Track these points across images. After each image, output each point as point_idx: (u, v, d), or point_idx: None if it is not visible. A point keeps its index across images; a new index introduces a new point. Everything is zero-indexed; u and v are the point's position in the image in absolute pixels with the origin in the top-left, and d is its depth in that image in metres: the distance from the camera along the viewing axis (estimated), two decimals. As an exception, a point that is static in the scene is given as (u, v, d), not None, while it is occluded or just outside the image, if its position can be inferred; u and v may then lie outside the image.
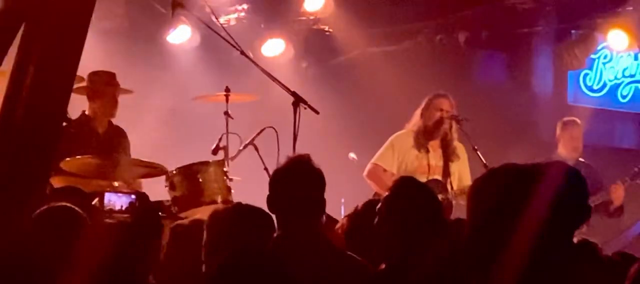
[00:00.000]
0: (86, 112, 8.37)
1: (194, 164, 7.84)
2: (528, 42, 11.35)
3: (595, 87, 11.67)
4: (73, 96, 7.82)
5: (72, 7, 5.95)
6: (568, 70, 11.44)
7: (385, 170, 8.47)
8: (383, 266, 4.63)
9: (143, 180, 8.07)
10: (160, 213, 6.59)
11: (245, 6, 10.69)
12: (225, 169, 7.89)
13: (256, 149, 8.17)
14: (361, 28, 11.18)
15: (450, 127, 8.58)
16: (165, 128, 10.49)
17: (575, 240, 3.11)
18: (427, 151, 8.56)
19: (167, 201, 7.63)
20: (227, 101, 8.35)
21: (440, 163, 8.57)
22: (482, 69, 11.70)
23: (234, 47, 7.39)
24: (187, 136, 10.33)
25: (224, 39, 7.36)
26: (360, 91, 11.33)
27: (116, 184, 7.61)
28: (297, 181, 4.69)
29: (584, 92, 11.67)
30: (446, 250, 4.47)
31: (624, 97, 11.67)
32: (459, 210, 8.37)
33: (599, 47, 11.32)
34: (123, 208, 6.90)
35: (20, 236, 3.49)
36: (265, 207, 4.80)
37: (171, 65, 10.69)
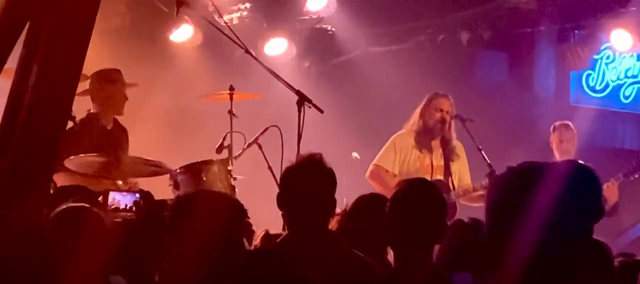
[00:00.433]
0: (92, 111, 8.38)
1: (198, 162, 7.84)
2: (531, 42, 11.35)
3: (597, 88, 11.67)
4: (80, 96, 7.87)
5: (77, 6, 5.95)
6: (570, 70, 11.44)
7: (387, 171, 8.48)
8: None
9: (147, 179, 8.05)
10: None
11: (247, 5, 10.69)
12: (229, 167, 7.88)
13: (260, 147, 8.17)
14: (364, 27, 11.18)
15: (450, 126, 8.58)
16: (169, 127, 10.49)
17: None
18: (429, 151, 8.56)
19: (171, 199, 7.61)
20: (231, 99, 8.34)
21: (441, 163, 8.59)
22: (485, 69, 11.70)
23: (239, 45, 7.37)
24: (190, 134, 10.32)
25: (228, 37, 7.34)
26: (362, 90, 11.33)
27: (120, 182, 7.61)
28: (309, 179, 4.67)
29: (587, 92, 11.67)
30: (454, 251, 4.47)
31: (626, 97, 11.66)
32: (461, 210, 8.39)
33: (601, 48, 11.32)
34: (127, 207, 6.90)
35: (33, 234, 3.47)
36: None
37: (174, 64, 10.68)
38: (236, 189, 7.86)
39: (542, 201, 2.86)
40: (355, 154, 9.84)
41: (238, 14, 10.60)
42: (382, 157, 8.60)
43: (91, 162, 7.62)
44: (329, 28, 11.34)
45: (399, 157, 8.54)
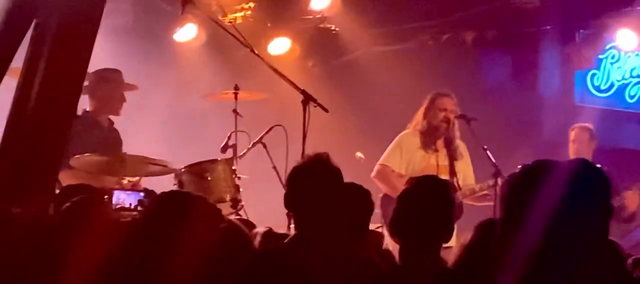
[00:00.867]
0: (88, 109, 8.36)
1: (202, 162, 7.83)
2: (535, 41, 11.33)
3: (602, 88, 11.65)
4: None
5: (83, 5, 5.94)
6: (575, 70, 11.42)
7: (393, 171, 8.45)
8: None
9: (152, 178, 8.05)
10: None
11: (251, 5, 10.66)
12: (233, 167, 7.88)
13: (265, 147, 8.17)
14: (367, 27, 11.16)
15: (453, 126, 8.56)
16: (174, 126, 10.49)
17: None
18: (434, 151, 8.54)
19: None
20: (236, 98, 8.33)
21: (446, 162, 8.57)
22: (489, 69, 11.68)
23: (244, 45, 7.36)
24: (195, 133, 10.32)
25: (234, 37, 7.33)
26: (366, 89, 11.31)
27: (125, 181, 7.60)
28: (316, 180, 4.65)
29: (591, 92, 11.65)
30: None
31: (631, 97, 11.64)
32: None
33: (606, 47, 11.30)
34: (132, 206, 6.89)
35: (39, 232, 3.46)
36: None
37: (177, 63, 10.67)
38: (240, 189, 7.85)
39: (552, 198, 2.87)
40: (359, 154, 9.82)
41: (242, 14, 10.57)
42: (388, 157, 8.58)
43: (96, 161, 7.62)
44: (332, 27, 11.32)
45: (405, 157, 8.52)
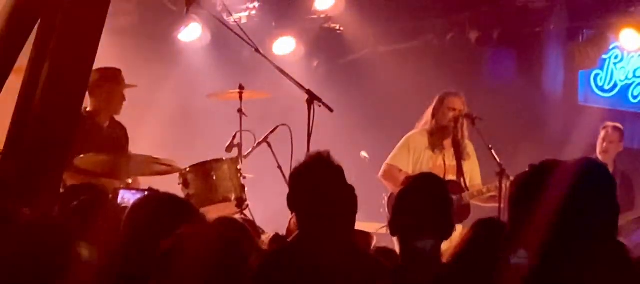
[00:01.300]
0: (87, 109, 8.34)
1: (207, 161, 7.84)
2: (539, 41, 11.32)
3: (606, 88, 11.63)
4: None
5: (88, 5, 5.95)
6: (579, 70, 11.41)
7: (400, 170, 8.42)
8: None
9: (157, 178, 8.05)
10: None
11: (256, 4, 10.69)
12: (239, 166, 7.88)
13: (270, 146, 8.17)
14: (372, 26, 11.18)
15: (462, 125, 8.54)
16: (179, 126, 10.50)
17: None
18: (442, 151, 8.52)
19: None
20: (240, 98, 8.33)
21: (454, 163, 8.54)
22: (493, 68, 11.67)
23: (250, 44, 7.38)
24: (200, 133, 10.33)
25: (239, 36, 7.35)
26: (370, 89, 11.32)
27: (130, 181, 7.61)
28: (317, 178, 4.65)
29: (595, 92, 11.64)
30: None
31: (635, 97, 11.62)
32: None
33: (610, 47, 11.29)
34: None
35: (44, 231, 3.47)
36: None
37: (182, 63, 10.69)
38: (246, 188, 7.86)
39: (559, 198, 2.87)
40: (363, 153, 9.83)
41: (247, 13, 10.60)
42: (395, 157, 8.55)
43: (101, 161, 7.62)
44: (337, 27, 11.34)
45: (413, 157, 8.49)
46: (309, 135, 7.17)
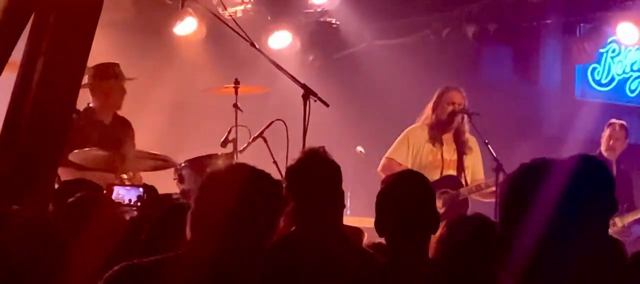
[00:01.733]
0: (90, 105, 8.35)
1: (202, 156, 7.81)
2: (536, 35, 11.31)
3: (603, 82, 11.63)
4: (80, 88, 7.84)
5: (82, -1, 5.92)
6: (576, 64, 11.40)
7: (400, 164, 8.40)
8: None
9: (151, 173, 8.03)
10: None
11: (251, -2, 10.66)
12: (234, 161, 7.84)
13: (265, 141, 8.14)
14: (368, 21, 11.15)
15: (462, 120, 8.52)
16: (174, 120, 10.48)
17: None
18: (442, 145, 8.50)
19: (176, 194, 7.59)
20: (236, 93, 8.30)
21: (454, 157, 8.52)
22: (490, 63, 11.66)
23: (245, 39, 7.33)
24: (195, 128, 10.30)
25: (234, 31, 7.30)
26: (366, 84, 11.30)
27: (125, 176, 7.59)
28: (312, 174, 4.64)
29: (592, 86, 11.63)
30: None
31: (632, 91, 11.63)
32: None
33: (607, 41, 11.28)
34: (132, 202, 6.87)
35: (39, 228, 3.44)
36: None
37: (177, 57, 10.66)
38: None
39: (553, 195, 2.84)
40: (359, 148, 9.81)
41: (242, 7, 10.57)
42: (394, 151, 8.53)
43: (95, 156, 7.60)
44: (333, 21, 11.32)
45: (412, 151, 8.47)
46: (305, 130, 7.14)
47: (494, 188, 8.24)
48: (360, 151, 9.74)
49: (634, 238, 9.35)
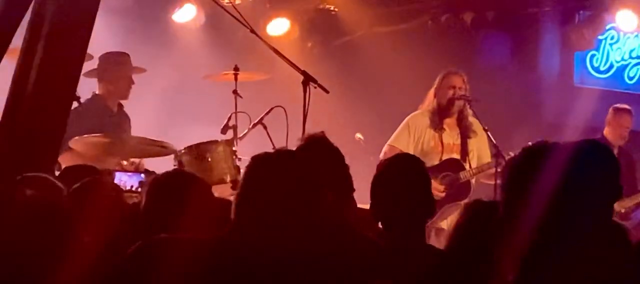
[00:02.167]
0: (97, 92, 8.39)
1: (202, 143, 7.80)
2: (535, 22, 11.29)
3: (601, 69, 11.64)
4: (86, 76, 7.87)
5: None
6: (575, 51, 11.40)
7: (402, 151, 8.41)
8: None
9: (151, 159, 8.05)
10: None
11: (250, -15, 10.64)
12: (234, 148, 7.86)
13: (265, 128, 8.16)
14: (367, 8, 11.14)
15: (464, 103, 8.53)
16: (174, 107, 10.48)
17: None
18: (443, 130, 8.51)
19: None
20: (236, 79, 8.31)
21: (458, 141, 8.52)
22: (488, 50, 11.64)
23: (244, 25, 7.34)
24: (195, 114, 10.30)
25: (234, 17, 7.30)
26: (365, 71, 11.29)
27: (125, 163, 7.61)
28: (316, 160, 4.63)
29: (591, 73, 11.64)
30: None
31: (630, 78, 11.63)
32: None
33: (606, 28, 11.27)
34: (133, 188, 6.89)
35: (40, 213, 3.45)
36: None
37: (176, 44, 10.66)
38: (241, 170, 7.83)
39: (557, 179, 2.85)
40: (358, 135, 9.81)
41: (241, -6, 10.55)
42: (396, 138, 8.54)
43: (96, 142, 7.61)
44: (332, 8, 11.30)
45: (413, 138, 8.48)
46: (305, 116, 7.15)
47: (494, 170, 8.26)
48: (359, 138, 9.74)
49: (634, 223, 9.37)
